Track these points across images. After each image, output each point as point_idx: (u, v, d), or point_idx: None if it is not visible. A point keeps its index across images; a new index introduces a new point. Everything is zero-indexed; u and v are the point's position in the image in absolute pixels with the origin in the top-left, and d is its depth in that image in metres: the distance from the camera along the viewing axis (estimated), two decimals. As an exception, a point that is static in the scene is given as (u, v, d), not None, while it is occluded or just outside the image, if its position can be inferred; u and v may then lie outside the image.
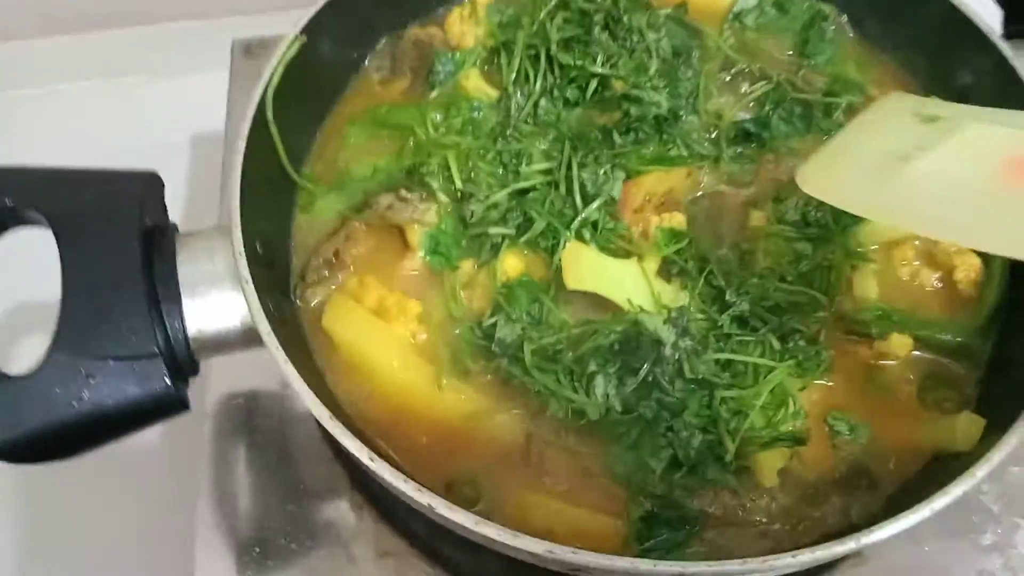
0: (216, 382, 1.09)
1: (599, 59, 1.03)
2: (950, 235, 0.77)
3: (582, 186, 0.95)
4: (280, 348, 0.77)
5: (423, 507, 0.70)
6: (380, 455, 0.74)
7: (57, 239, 0.79)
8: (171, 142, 1.76)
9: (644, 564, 0.66)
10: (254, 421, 1.08)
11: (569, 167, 0.96)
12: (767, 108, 1.03)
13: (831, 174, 0.81)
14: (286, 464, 1.05)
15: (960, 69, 1.02)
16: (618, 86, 1.03)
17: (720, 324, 0.86)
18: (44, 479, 1.14)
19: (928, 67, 1.07)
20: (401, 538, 0.99)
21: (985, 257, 0.91)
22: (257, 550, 0.99)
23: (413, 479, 0.74)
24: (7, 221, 0.81)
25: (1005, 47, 0.96)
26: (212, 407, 1.08)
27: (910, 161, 0.77)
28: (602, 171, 0.95)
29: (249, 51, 1.39)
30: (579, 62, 1.02)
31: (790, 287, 0.88)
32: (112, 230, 0.80)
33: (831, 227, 0.92)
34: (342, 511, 1.01)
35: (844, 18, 1.14)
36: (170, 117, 1.77)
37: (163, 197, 0.90)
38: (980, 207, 0.74)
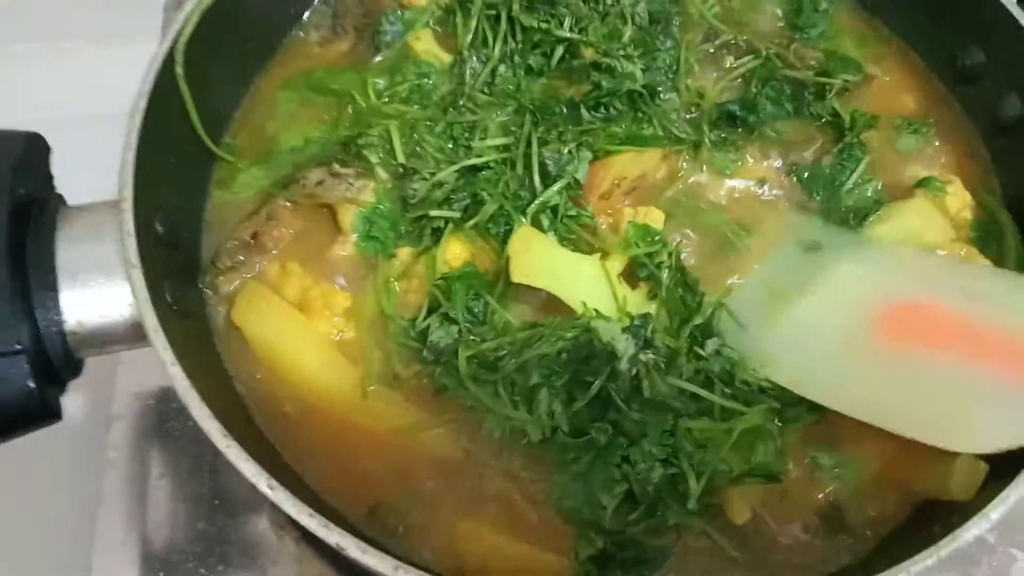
0: (124, 379, 0.97)
1: (567, 22, 0.91)
2: (820, 397, 0.73)
3: (542, 165, 0.83)
4: (168, 347, 0.65)
5: (334, 546, 0.58)
6: (289, 476, 0.63)
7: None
8: (108, 113, 1.64)
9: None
10: (166, 424, 0.95)
11: (528, 143, 0.85)
12: (754, 87, 0.92)
13: None
14: (201, 474, 0.93)
15: (971, 44, 0.90)
16: (588, 54, 0.92)
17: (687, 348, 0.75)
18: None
19: (934, 42, 0.95)
20: (328, 563, 0.87)
21: (1002, 256, 0.81)
22: (162, 574, 0.86)
23: (326, 504, 0.62)
24: None
25: (1024, 17, 0.85)
26: (119, 408, 0.96)
27: (788, 305, 0.76)
28: (566, 150, 0.84)
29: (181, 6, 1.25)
30: (544, 25, 0.91)
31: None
32: (-26, 200, 0.67)
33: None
34: (261, 530, 0.90)
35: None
36: (107, 85, 1.65)
37: (47, 164, 0.77)
38: (848, 368, 0.73)
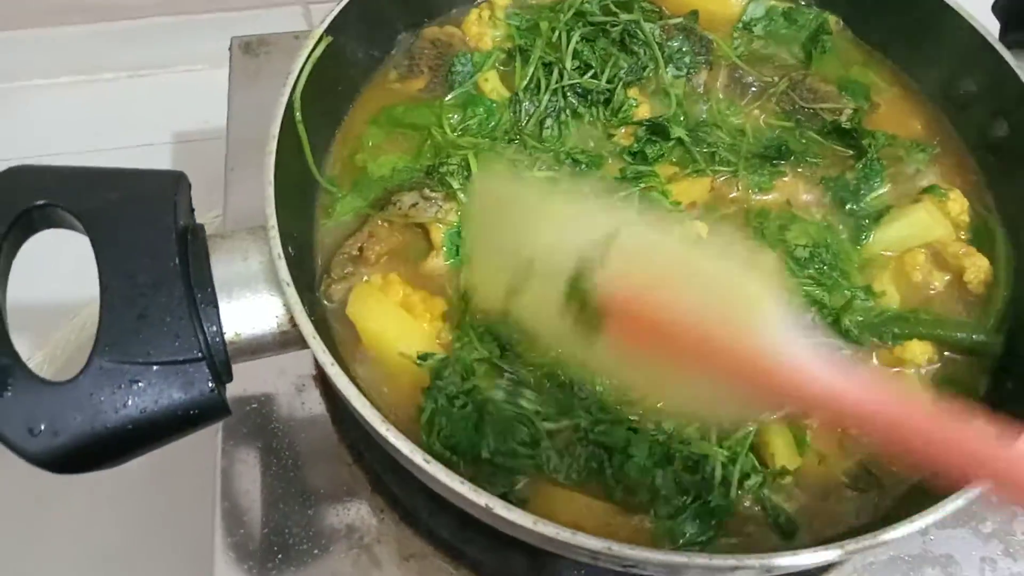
0: (230, 386, 1.08)
1: (608, 73, 1.05)
2: None
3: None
4: (326, 352, 0.77)
5: (480, 509, 0.71)
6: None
7: (92, 241, 0.77)
8: (152, 141, 1.74)
9: (699, 559, 0.68)
10: (269, 425, 1.07)
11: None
12: (777, 132, 1.06)
13: None
14: (304, 468, 1.04)
15: (963, 76, 1.06)
16: (640, 112, 1.05)
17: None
18: (53, 485, 1.11)
19: (930, 73, 1.10)
20: (425, 540, 1.00)
21: (994, 259, 0.95)
22: (280, 556, 0.98)
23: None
24: (37, 222, 0.79)
25: (1008, 55, 1.00)
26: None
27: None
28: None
29: (249, 49, 1.38)
30: (592, 83, 1.04)
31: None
32: (148, 231, 0.79)
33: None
34: (363, 514, 1.01)
35: (845, 27, 1.17)
36: (149, 116, 1.75)
37: (191, 198, 0.89)
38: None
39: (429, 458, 0.72)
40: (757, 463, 0.82)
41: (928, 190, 1.01)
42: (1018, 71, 0.98)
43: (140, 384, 0.73)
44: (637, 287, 0.64)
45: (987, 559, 1.01)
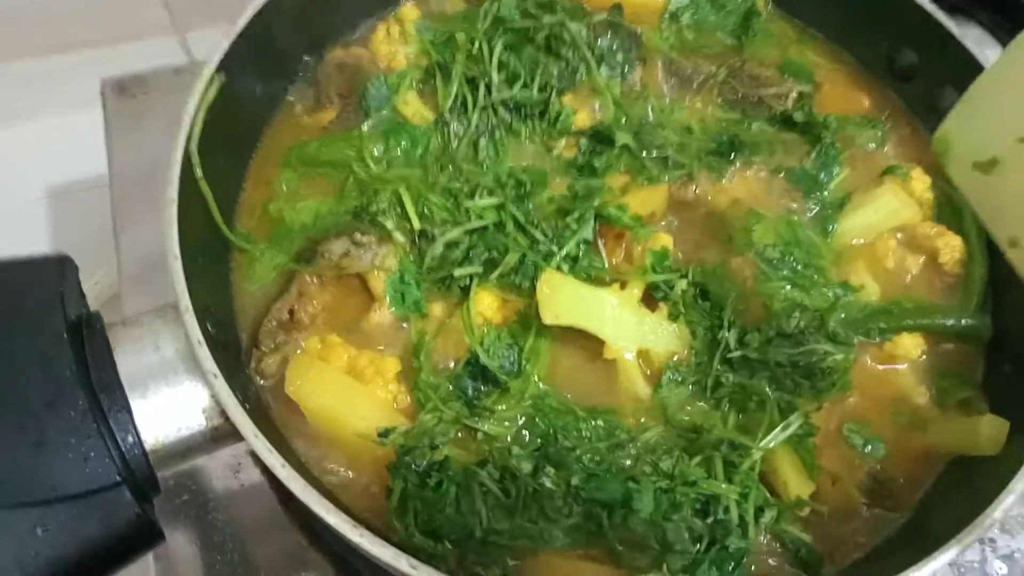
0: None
1: (538, 81, 0.96)
2: None
3: (541, 229, 0.87)
4: (273, 450, 0.66)
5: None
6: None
7: (-39, 357, 0.63)
8: (22, 198, 1.56)
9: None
10: (207, 516, 0.94)
11: (516, 220, 0.87)
12: (724, 125, 0.99)
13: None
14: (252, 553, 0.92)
15: (903, 47, 1.01)
16: (578, 120, 0.97)
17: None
18: None
19: (868, 46, 1.05)
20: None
21: (964, 234, 0.91)
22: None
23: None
24: None
25: (948, 21, 0.96)
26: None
27: None
28: (566, 221, 0.87)
29: (124, 90, 1.22)
30: (524, 94, 0.95)
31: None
32: (33, 338, 0.65)
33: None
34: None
35: (774, 7, 1.11)
36: (16, 170, 1.57)
37: (79, 282, 0.75)
38: None
39: (416, 563, 0.62)
40: (769, 495, 0.75)
41: (889, 170, 0.96)
42: (962, 40, 0.94)
43: (48, 529, 0.59)
44: None
45: (986, 539, 0.99)
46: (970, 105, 0.70)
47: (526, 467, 0.71)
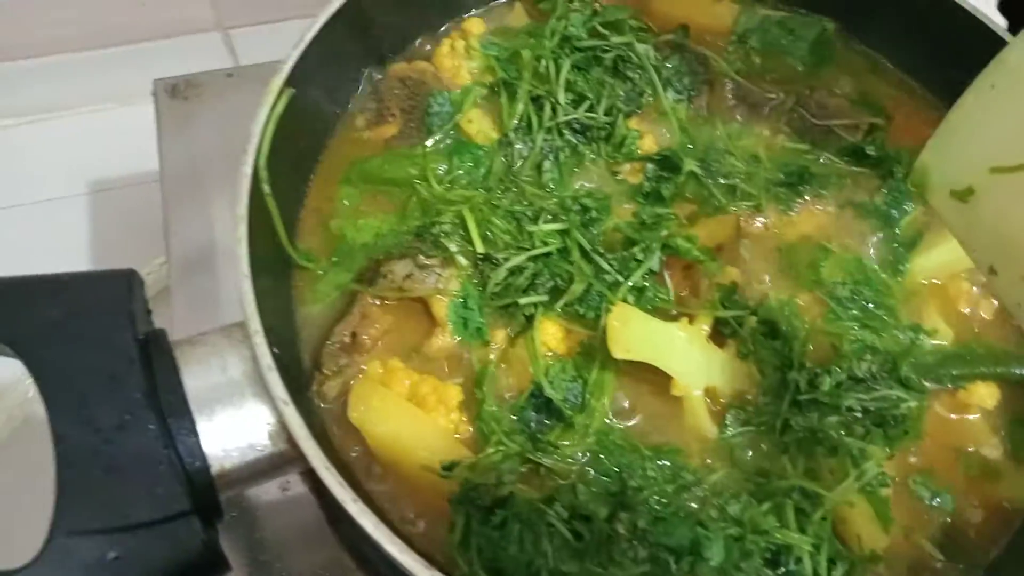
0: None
1: (604, 103, 0.94)
2: None
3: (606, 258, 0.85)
4: (343, 483, 0.63)
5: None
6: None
7: (33, 374, 0.62)
8: (64, 194, 1.55)
9: None
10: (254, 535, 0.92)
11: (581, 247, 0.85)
12: (793, 155, 0.97)
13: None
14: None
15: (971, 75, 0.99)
16: (644, 145, 0.95)
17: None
18: None
19: (941, 80, 1.02)
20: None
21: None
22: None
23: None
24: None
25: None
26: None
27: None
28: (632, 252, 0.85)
29: (176, 92, 1.21)
30: (589, 118, 0.93)
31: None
32: (102, 355, 0.64)
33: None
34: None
35: (844, 33, 1.08)
36: (58, 164, 1.56)
37: (146, 299, 0.73)
38: None
39: None
40: (841, 547, 0.73)
41: (962, 209, 0.93)
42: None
43: (119, 557, 0.58)
44: None
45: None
46: (945, 136, 0.69)
47: (602, 512, 0.69)
